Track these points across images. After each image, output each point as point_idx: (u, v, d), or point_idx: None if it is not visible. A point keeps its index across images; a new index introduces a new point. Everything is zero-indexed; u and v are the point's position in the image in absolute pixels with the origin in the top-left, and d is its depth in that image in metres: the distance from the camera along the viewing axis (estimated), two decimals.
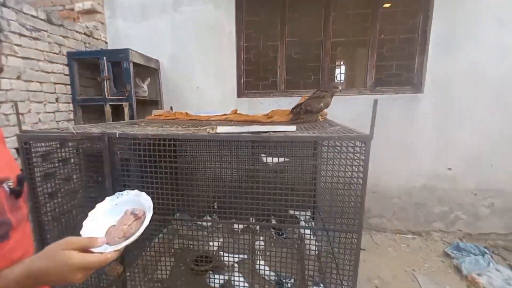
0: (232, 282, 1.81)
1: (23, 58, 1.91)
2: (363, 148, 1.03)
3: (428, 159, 2.60)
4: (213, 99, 2.81)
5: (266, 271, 1.92)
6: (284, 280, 1.86)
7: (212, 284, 1.81)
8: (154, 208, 0.62)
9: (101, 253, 0.50)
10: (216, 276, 1.75)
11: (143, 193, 0.66)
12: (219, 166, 2.28)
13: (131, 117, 2.29)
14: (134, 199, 0.66)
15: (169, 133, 1.11)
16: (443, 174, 2.61)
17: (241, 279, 1.69)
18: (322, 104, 1.92)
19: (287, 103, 2.64)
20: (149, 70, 2.72)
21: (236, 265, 1.82)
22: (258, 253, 2.04)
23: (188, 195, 1.54)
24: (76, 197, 1.46)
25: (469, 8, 2.34)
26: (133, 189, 0.69)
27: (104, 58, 2.27)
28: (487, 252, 2.35)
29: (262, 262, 1.96)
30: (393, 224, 2.78)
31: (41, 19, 2.06)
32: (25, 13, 1.92)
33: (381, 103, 2.46)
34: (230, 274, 1.87)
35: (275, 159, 2.00)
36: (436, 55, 2.44)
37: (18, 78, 1.88)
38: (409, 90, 2.58)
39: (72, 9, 2.75)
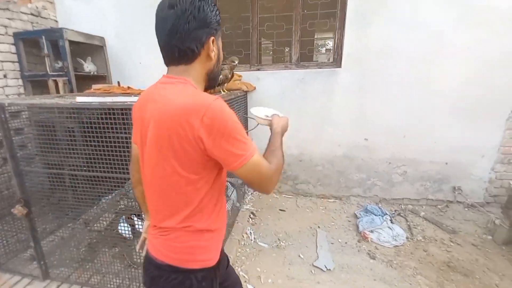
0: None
1: None
2: None
3: (348, 130, 2.80)
4: (154, 74, 3.03)
5: None
6: None
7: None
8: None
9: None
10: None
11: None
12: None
13: (71, 91, 2.59)
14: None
15: (43, 102, 1.41)
16: (360, 144, 2.82)
17: None
18: (221, 76, 2.14)
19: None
20: (94, 47, 2.96)
21: None
22: None
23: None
24: None
25: None
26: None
27: (43, 37, 2.52)
28: (388, 213, 2.63)
29: None
30: (318, 189, 3.07)
31: None
32: None
33: (304, 77, 2.66)
34: None
35: None
36: (354, 29, 2.53)
37: None
38: (330, 64, 2.72)
39: None
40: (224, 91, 2.19)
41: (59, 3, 3.05)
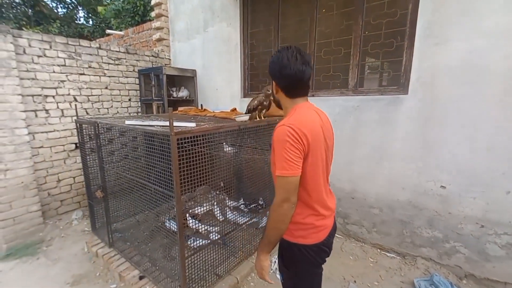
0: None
1: (109, 76, 3.35)
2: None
3: (413, 171, 2.22)
4: (225, 99, 3.50)
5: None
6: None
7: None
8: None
9: None
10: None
11: None
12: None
13: (163, 112, 3.38)
14: None
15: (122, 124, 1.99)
16: (433, 191, 2.16)
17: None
18: (256, 102, 2.25)
19: None
20: (187, 78, 3.75)
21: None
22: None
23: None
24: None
25: None
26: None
27: (152, 73, 3.45)
28: None
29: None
30: (373, 236, 2.54)
31: (122, 52, 3.46)
32: (111, 50, 3.34)
33: (360, 104, 2.44)
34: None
35: (230, 148, 2.46)
36: (425, 48, 2.05)
37: (106, 88, 3.33)
38: (395, 90, 2.27)
39: (149, 40, 4.16)
40: (259, 118, 2.27)
41: (172, 46, 4.08)
